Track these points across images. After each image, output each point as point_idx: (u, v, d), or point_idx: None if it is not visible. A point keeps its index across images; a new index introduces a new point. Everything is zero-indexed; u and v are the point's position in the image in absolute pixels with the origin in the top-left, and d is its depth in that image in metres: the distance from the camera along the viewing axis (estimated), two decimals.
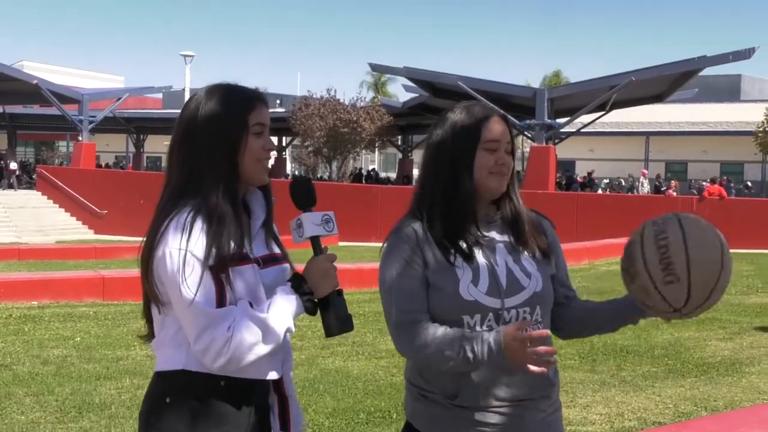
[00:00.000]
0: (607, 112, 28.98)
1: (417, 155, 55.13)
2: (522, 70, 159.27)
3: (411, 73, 27.91)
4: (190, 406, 1.97)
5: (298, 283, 2.07)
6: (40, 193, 33.15)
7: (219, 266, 1.91)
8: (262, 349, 1.93)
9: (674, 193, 32.12)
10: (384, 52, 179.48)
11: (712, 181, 25.29)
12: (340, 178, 37.63)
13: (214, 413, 1.97)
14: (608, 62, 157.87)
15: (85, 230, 30.46)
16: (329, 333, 2.11)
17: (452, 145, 2.13)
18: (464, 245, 2.10)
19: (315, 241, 2.18)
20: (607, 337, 7.58)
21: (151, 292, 1.99)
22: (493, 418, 2.06)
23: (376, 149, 46.74)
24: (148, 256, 1.98)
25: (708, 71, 28.25)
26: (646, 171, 35.54)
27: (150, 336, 2.13)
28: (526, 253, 2.16)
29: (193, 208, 1.96)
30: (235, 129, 2.01)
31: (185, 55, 17.45)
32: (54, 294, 10.10)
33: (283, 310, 1.98)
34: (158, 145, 54.05)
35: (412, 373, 2.19)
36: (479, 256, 2.10)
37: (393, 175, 48.48)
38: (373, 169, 50.83)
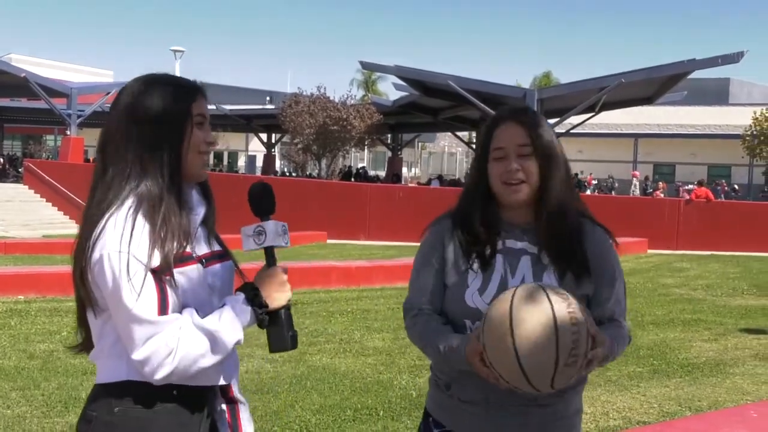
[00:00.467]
0: (597, 113, 29.06)
1: (406, 154, 55.17)
2: (512, 70, 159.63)
3: (402, 72, 27.87)
4: (138, 419, 1.85)
5: (253, 294, 1.96)
6: (26, 187, 32.95)
7: (163, 269, 1.80)
8: (209, 361, 1.84)
9: (661, 195, 32.31)
10: (375, 51, 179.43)
11: (699, 184, 25.39)
12: (329, 175, 37.59)
13: (165, 424, 1.87)
14: (598, 64, 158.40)
15: (72, 225, 30.25)
16: (276, 348, 2.02)
17: (476, 150, 2.18)
18: (486, 251, 2.10)
19: (271, 250, 2.07)
20: None
21: (88, 297, 1.85)
22: (478, 413, 2.12)
23: (366, 147, 46.73)
24: (82, 256, 1.82)
25: (697, 74, 28.33)
26: (637, 173, 35.69)
27: (84, 345, 1.99)
28: (552, 268, 2.08)
29: (134, 202, 1.84)
30: (180, 118, 1.92)
31: (175, 51, 17.40)
32: (41, 288, 10.07)
33: (234, 322, 1.89)
34: None
35: (433, 362, 2.27)
36: (498, 264, 2.10)
37: (382, 174, 48.49)
38: (363, 167, 50.83)
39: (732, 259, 18.42)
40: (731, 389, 6.44)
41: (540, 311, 1.83)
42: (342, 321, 9.01)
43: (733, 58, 23.63)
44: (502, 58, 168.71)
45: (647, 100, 29.83)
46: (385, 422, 5.26)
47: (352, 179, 41.30)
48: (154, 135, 1.89)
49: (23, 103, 45.75)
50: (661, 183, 37.03)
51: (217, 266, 2.01)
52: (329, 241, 20.69)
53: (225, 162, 59.02)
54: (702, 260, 17.82)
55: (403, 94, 33.21)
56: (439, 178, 42.23)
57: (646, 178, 39.92)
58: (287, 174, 45.77)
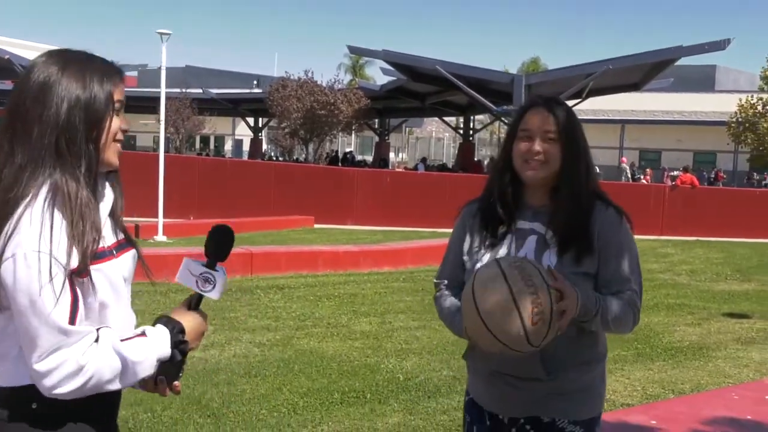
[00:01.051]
0: (584, 99, 29.10)
1: (394, 138, 55.13)
2: (501, 56, 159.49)
3: (389, 57, 27.81)
4: (42, 424, 1.73)
5: (181, 341, 1.83)
6: None
7: (80, 269, 1.67)
8: (113, 387, 1.71)
9: (648, 181, 32.49)
10: (362, 35, 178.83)
11: (685, 170, 25.53)
12: (317, 160, 37.54)
13: (71, 429, 1.76)
14: (586, 50, 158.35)
15: None
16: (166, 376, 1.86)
17: (505, 134, 2.33)
18: (499, 230, 2.27)
19: (202, 296, 1.94)
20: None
21: None
22: (483, 383, 2.34)
23: (353, 132, 46.66)
24: None
25: (683, 61, 28.46)
26: (625, 159, 35.81)
27: None
28: (554, 248, 2.20)
29: (50, 194, 1.69)
30: (102, 105, 1.77)
31: (162, 33, 17.18)
32: None
33: (151, 359, 1.76)
34: (132, 124, 53.46)
35: None
36: (505, 245, 2.26)
37: (369, 159, 48.46)
38: (350, 152, 50.79)
39: (716, 245, 18.56)
40: (713, 372, 6.53)
41: (495, 287, 2.00)
42: (329, 305, 9.05)
43: (720, 45, 23.72)
44: (490, 43, 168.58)
45: (634, 87, 29.93)
46: (373, 405, 5.31)
47: (339, 164, 41.27)
48: (72, 121, 1.73)
49: (7, 85, 45.35)
50: (648, 169, 37.21)
51: (123, 255, 1.87)
52: (316, 226, 20.69)
53: (212, 146, 58.81)
54: (686, 246, 17.95)
55: (391, 78, 33.18)
56: (423, 161, 42.27)
57: (632, 164, 40.08)
58: (274, 158, 45.68)
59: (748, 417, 4.07)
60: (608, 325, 2.18)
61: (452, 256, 2.43)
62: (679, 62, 26.96)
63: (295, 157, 41.79)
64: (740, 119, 33.53)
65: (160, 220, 16.82)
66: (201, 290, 1.90)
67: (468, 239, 2.36)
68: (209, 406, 5.18)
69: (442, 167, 42.19)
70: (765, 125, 31.70)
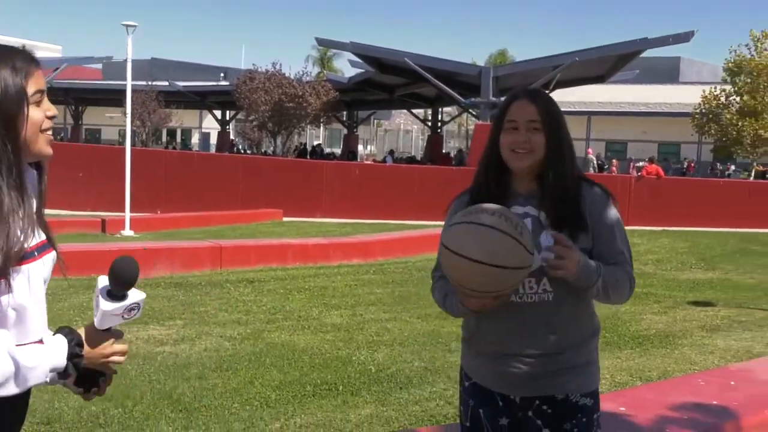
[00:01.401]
0: (551, 91, 29.27)
1: (362, 131, 55.08)
2: (468, 48, 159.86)
3: (357, 49, 27.77)
4: None
5: (78, 347, 1.76)
6: None
7: (2, 271, 1.62)
8: (4, 391, 1.64)
9: (614, 171, 32.83)
10: (331, 27, 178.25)
11: (650, 161, 25.82)
12: (285, 153, 37.40)
13: None
14: (553, 43, 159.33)
15: None
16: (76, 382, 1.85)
17: (492, 123, 2.43)
18: None
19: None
20: None
21: None
22: (490, 365, 2.39)
23: (322, 125, 46.51)
24: None
25: (648, 53, 28.74)
26: (591, 150, 36.12)
27: None
28: (550, 228, 2.30)
29: None
30: (14, 100, 1.67)
31: (127, 25, 17.00)
32: None
33: (44, 368, 1.70)
34: (97, 117, 52.92)
35: (462, 322, 2.52)
36: None
37: (338, 151, 48.38)
38: (318, 145, 50.67)
39: (681, 235, 18.83)
40: (680, 359, 6.64)
41: (461, 225, 2.16)
42: (300, 298, 9.04)
43: (684, 38, 24.01)
44: (458, 35, 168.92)
45: (600, 79, 30.19)
46: (345, 397, 5.33)
47: (308, 157, 41.16)
48: None
49: None
50: (614, 160, 37.59)
51: (45, 258, 1.79)
52: (285, 219, 20.64)
53: (178, 140, 58.31)
54: (652, 236, 18.19)
55: (359, 71, 33.13)
56: (391, 153, 42.29)
57: (598, 155, 40.44)
58: (242, 151, 45.42)
59: (714, 402, 4.15)
60: (608, 291, 2.30)
61: None
62: (644, 54, 27.23)
63: (263, 150, 41.56)
64: (704, 110, 33.96)
65: (127, 214, 16.68)
66: (129, 319, 1.82)
67: None
68: (181, 400, 5.17)
69: (411, 159, 42.27)
70: (728, 116, 32.16)
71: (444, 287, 2.42)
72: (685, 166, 41.11)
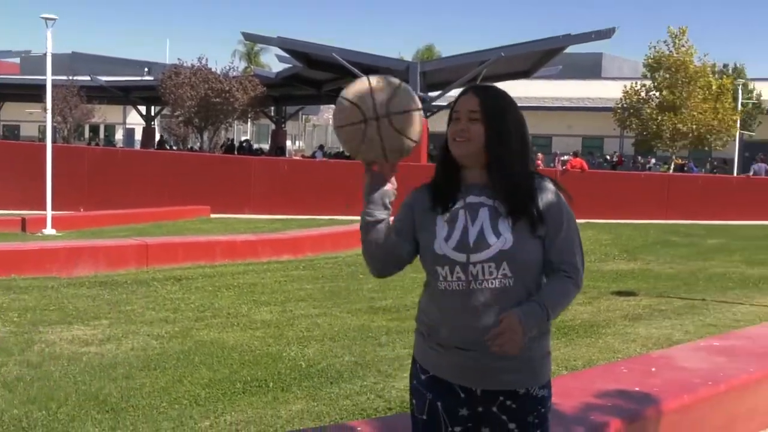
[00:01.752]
0: None
1: (290, 126, 54.75)
2: (396, 43, 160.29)
3: (285, 44, 27.59)
4: None
5: None
6: None
7: None
8: None
9: (539, 165, 33.43)
10: (258, 21, 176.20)
11: (575, 155, 26.38)
12: (212, 149, 36.94)
13: None
14: (480, 38, 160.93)
15: None
16: None
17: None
18: (450, 206, 2.41)
19: None
20: None
21: None
22: (450, 357, 2.40)
23: (249, 120, 46.06)
24: None
25: (571, 49, 29.30)
26: None
27: None
28: (507, 216, 2.35)
29: None
30: None
31: (46, 18, 16.50)
32: None
33: None
34: (16, 113, 51.34)
35: (417, 314, 2.55)
36: (460, 217, 2.39)
37: (266, 147, 48.01)
38: (247, 140, 50.17)
39: (604, 227, 19.30)
40: (604, 348, 6.81)
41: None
42: (228, 295, 8.95)
43: (606, 34, 24.61)
44: (385, 30, 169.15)
45: (525, 74, 30.70)
46: (276, 393, 5.31)
47: (236, 152, 40.72)
48: None
49: None
50: (539, 154, 38.31)
51: None
52: (213, 216, 20.39)
53: (102, 135, 56.97)
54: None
55: (287, 66, 32.91)
56: (321, 148, 42.18)
57: None
58: (169, 147, 44.65)
59: (637, 389, 4.28)
60: (560, 312, 2.39)
61: (396, 224, 2.51)
62: (567, 50, 27.79)
63: (189, 146, 40.94)
64: (625, 105, 34.86)
65: (49, 212, 16.23)
66: None
67: (421, 220, 2.45)
68: (107, 401, 5.06)
69: (340, 155, 42.25)
70: (648, 111, 33.07)
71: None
72: (615, 160, 42.16)
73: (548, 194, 2.41)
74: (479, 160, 2.40)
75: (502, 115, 2.41)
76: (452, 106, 2.47)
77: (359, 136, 2.39)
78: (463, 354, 2.37)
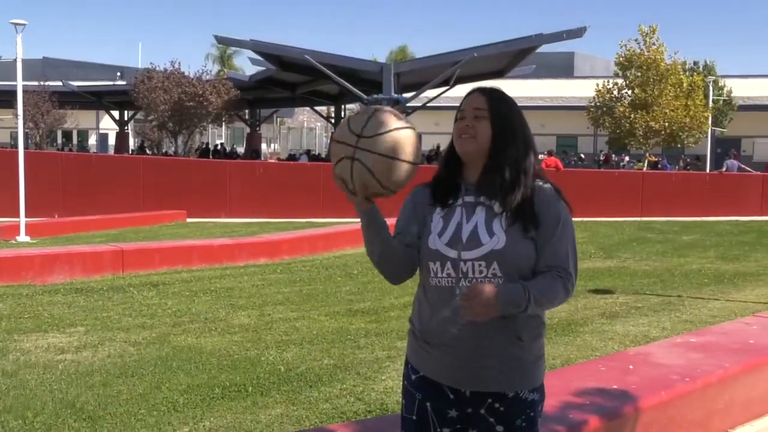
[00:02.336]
0: (452, 87, 29.74)
1: (265, 129, 54.54)
2: (369, 44, 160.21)
3: (258, 47, 27.49)
4: None
5: None
6: None
7: None
8: None
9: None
10: (230, 24, 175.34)
11: (549, 153, 26.52)
12: (187, 153, 36.74)
13: None
14: (453, 39, 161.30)
15: None
16: None
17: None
18: (447, 202, 2.44)
19: None
20: None
21: None
22: (441, 358, 2.41)
23: (224, 123, 45.87)
24: None
25: (544, 48, 29.51)
26: None
27: None
28: (502, 216, 2.36)
29: None
30: None
31: (16, 24, 16.32)
32: None
33: None
34: None
35: (411, 313, 2.57)
36: (456, 213, 2.41)
37: (241, 150, 47.82)
38: (221, 144, 49.94)
39: (580, 225, 19.39)
40: (582, 346, 6.85)
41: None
42: (206, 300, 8.90)
43: (577, 33, 24.77)
44: (358, 32, 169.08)
45: (499, 74, 30.80)
46: (255, 398, 5.28)
47: (211, 156, 40.52)
48: None
49: None
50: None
51: None
52: (189, 220, 20.27)
53: (75, 141, 56.44)
54: None
55: (260, 68, 32.81)
56: (308, 152, 42.04)
57: None
58: (148, 152, 44.32)
59: (615, 386, 4.30)
60: (543, 307, 2.38)
61: (400, 224, 2.51)
62: (540, 50, 27.96)
63: (164, 151, 40.68)
64: (598, 104, 35.10)
65: (22, 219, 16.04)
66: None
67: (422, 216, 2.47)
68: (84, 409, 5.01)
69: (316, 157, 42.16)
70: (621, 109, 33.33)
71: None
72: (602, 158, 42.59)
73: (546, 198, 2.41)
74: (482, 159, 2.42)
75: (508, 115, 2.45)
76: (458, 107, 2.50)
77: (348, 171, 2.30)
78: (449, 351, 2.38)
